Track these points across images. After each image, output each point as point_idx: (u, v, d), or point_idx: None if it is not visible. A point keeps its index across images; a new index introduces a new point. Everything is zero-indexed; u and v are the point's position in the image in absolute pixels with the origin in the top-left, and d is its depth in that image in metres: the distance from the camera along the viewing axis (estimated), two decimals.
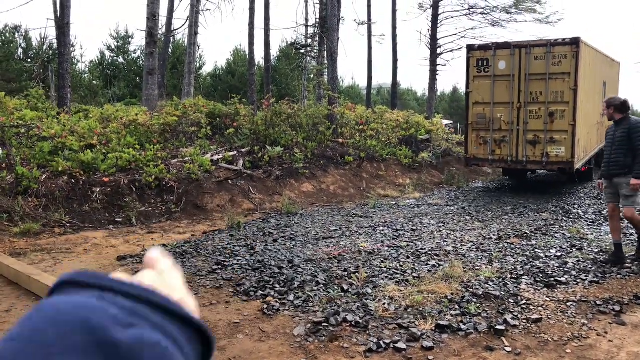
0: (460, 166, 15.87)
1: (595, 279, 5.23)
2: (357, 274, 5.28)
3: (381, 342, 3.72)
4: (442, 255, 6.18)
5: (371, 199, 11.03)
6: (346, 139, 14.27)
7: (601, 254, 6.23)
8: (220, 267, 5.71)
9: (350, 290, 4.86)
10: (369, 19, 22.59)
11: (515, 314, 4.30)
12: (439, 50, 23.24)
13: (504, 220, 8.55)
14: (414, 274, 5.38)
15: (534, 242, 6.87)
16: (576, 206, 10.01)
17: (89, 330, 0.37)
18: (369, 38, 22.67)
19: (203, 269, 5.62)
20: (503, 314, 4.27)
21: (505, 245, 6.72)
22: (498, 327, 3.97)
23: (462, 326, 4.02)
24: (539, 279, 5.21)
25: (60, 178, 8.48)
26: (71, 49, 21.98)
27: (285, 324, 4.13)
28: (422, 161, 14.66)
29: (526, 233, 7.45)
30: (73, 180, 8.47)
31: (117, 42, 31.73)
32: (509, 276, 5.32)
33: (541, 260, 5.96)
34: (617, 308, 4.43)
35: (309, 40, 22.94)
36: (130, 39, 31.72)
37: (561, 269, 5.60)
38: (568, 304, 4.55)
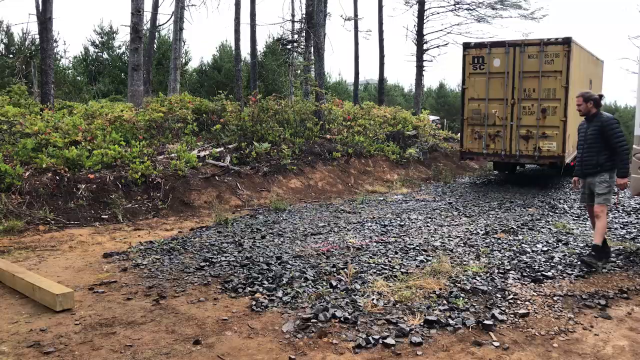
0: (447, 161, 15.96)
1: (581, 274, 5.29)
2: (345, 269, 5.28)
3: (370, 338, 3.72)
4: (430, 251, 6.20)
5: (359, 195, 11.05)
6: (334, 135, 14.26)
7: (587, 248, 6.30)
8: (208, 263, 5.67)
9: (338, 286, 4.86)
10: (356, 15, 22.56)
11: (503, 308, 4.33)
12: (425, 46, 23.33)
13: (490, 216, 8.61)
14: (402, 270, 5.39)
15: (520, 237, 6.93)
16: (562, 201, 10.12)
17: None
18: (355, 34, 22.65)
19: (191, 266, 5.58)
20: (491, 309, 4.29)
21: (493, 240, 6.77)
22: (486, 322, 4.00)
23: (451, 321, 4.04)
24: (525, 274, 5.26)
25: (44, 175, 8.36)
26: (54, 44, 21.66)
27: (274, 321, 4.12)
28: (410, 157, 14.71)
29: (513, 228, 7.51)
30: (57, 177, 8.36)
31: (102, 37, 31.31)
32: (497, 271, 5.36)
33: (528, 255, 6.01)
34: (603, 302, 4.49)
35: (296, 36, 22.84)
36: (114, 35, 31.32)
37: (547, 263, 5.65)
38: (554, 298, 4.59)
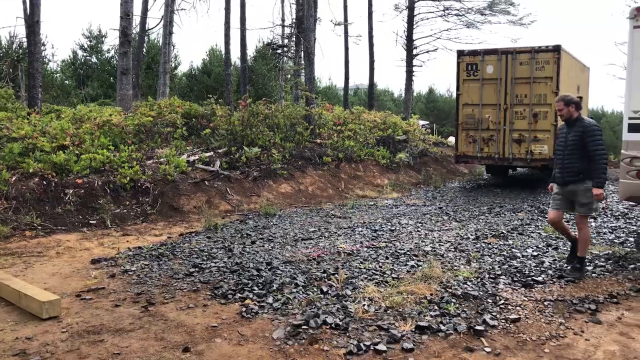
0: (437, 166, 16.02)
1: (570, 279, 5.30)
2: (336, 275, 5.25)
3: (361, 344, 3.70)
4: (421, 256, 6.19)
5: (349, 200, 11.04)
6: (324, 140, 14.25)
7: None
8: (197, 269, 5.61)
9: (329, 291, 4.83)
10: (346, 20, 22.62)
11: (494, 314, 4.33)
12: (415, 51, 23.45)
13: (481, 220, 8.63)
14: (393, 275, 5.37)
15: (510, 242, 6.95)
16: None
17: None
18: (345, 39, 22.70)
19: (180, 272, 5.52)
20: (482, 314, 4.29)
21: (483, 245, 6.78)
22: (477, 327, 3.98)
23: (442, 327, 4.02)
24: (516, 279, 5.26)
25: (31, 180, 8.25)
26: (42, 48, 21.47)
27: (264, 327, 4.08)
28: (400, 161, 14.74)
29: (503, 233, 7.54)
30: (45, 182, 8.25)
31: (90, 41, 31.10)
32: (487, 276, 5.36)
33: (518, 259, 6.02)
34: (593, 307, 4.50)
35: (286, 41, 22.85)
36: (103, 38, 31.12)
37: (538, 268, 5.67)
38: (545, 303, 4.60)
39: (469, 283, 5.10)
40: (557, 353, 3.66)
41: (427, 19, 23.66)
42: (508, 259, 6.03)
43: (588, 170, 5.31)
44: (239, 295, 4.79)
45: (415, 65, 23.56)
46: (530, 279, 5.24)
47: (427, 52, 23.50)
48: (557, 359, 3.57)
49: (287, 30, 22.49)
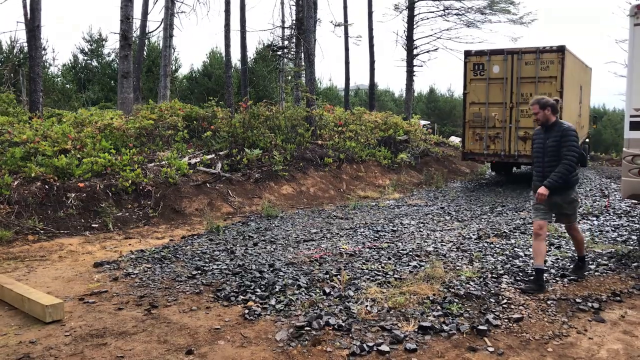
0: (438, 166, 16.01)
1: (574, 277, 5.29)
2: (338, 276, 5.25)
3: (364, 345, 3.70)
4: (423, 256, 6.19)
5: (351, 201, 11.03)
6: (325, 141, 14.25)
7: None
8: (199, 272, 5.62)
9: (332, 293, 4.83)
10: (346, 21, 22.63)
11: (497, 313, 4.32)
12: (415, 51, 23.45)
13: (483, 220, 8.62)
14: (395, 275, 5.37)
15: (513, 241, 6.94)
16: None
17: None
18: (345, 39, 22.71)
19: (182, 275, 5.52)
20: (485, 314, 4.28)
21: (485, 244, 6.77)
22: (480, 327, 3.98)
23: (445, 327, 4.02)
24: (519, 278, 5.26)
25: (33, 184, 8.26)
26: (42, 52, 21.53)
27: (267, 329, 4.08)
28: (401, 162, 14.74)
29: (505, 232, 7.53)
30: (47, 186, 8.26)
31: (91, 45, 31.18)
32: (490, 275, 5.36)
33: (521, 259, 6.01)
34: (596, 305, 4.49)
35: (286, 42, 22.86)
36: (104, 42, 31.20)
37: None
38: (548, 302, 4.59)
39: (471, 283, 5.09)
40: (561, 352, 3.65)
41: (427, 18, 23.68)
42: (510, 259, 6.02)
43: (568, 179, 4.97)
44: (242, 297, 4.79)
45: (415, 65, 23.56)
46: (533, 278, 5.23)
47: (427, 52, 23.50)
48: (560, 358, 3.57)
49: (287, 32, 22.51)
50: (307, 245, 6.91)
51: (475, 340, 3.84)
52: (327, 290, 4.87)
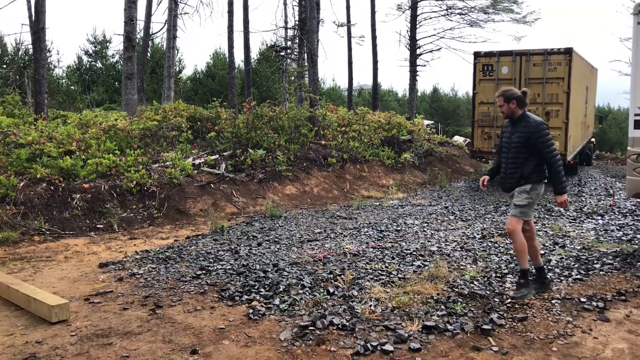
0: (442, 166, 15.99)
1: (578, 276, 5.29)
2: (342, 276, 5.26)
3: (368, 345, 3.70)
4: (427, 256, 6.19)
5: (355, 200, 11.04)
6: (328, 141, 14.26)
7: (583, 251, 6.30)
8: (204, 272, 5.64)
9: (336, 292, 4.84)
10: (348, 21, 22.65)
11: (501, 313, 4.32)
12: (418, 51, 23.43)
13: (487, 219, 8.61)
14: (399, 275, 5.38)
15: None
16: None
17: None
18: (348, 40, 22.73)
19: (187, 275, 5.55)
20: (489, 313, 4.28)
21: (489, 244, 6.77)
22: (484, 326, 3.98)
23: (449, 326, 4.02)
24: None
25: (38, 185, 8.31)
26: (47, 54, 21.61)
27: (271, 329, 4.09)
28: (405, 162, 14.73)
29: None
30: (52, 187, 8.31)
31: (95, 46, 31.29)
32: (494, 275, 5.35)
33: None
34: (601, 305, 4.48)
35: (289, 43, 22.88)
36: (108, 44, 31.31)
37: (545, 266, 5.64)
38: (553, 301, 4.59)
39: (475, 282, 5.09)
40: (565, 351, 3.65)
41: (430, 18, 23.65)
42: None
43: (530, 176, 4.66)
44: (246, 297, 4.81)
45: (419, 65, 23.54)
46: None
47: (430, 51, 23.48)
48: (565, 358, 3.57)
49: (290, 33, 22.53)
50: (311, 245, 6.92)
51: (480, 340, 3.84)
52: (331, 290, 4.88)
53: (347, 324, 4.08)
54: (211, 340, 3.92)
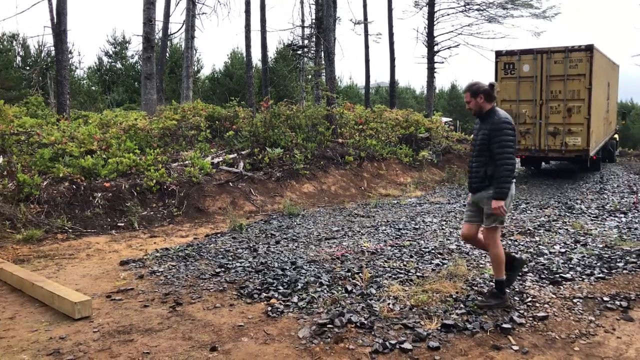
0: (461, 163, 15.86)
1: (601, 275, 5.20)
2: (360, 274, 5.26)
3: (387, 343, 3.70)
4: (446, 254, 6.15)
5: (372, 199, 11.01)
6: (346, 139, 14.25)
7: (606, 249, 6.20)
8: (223, 269, 5.68)
9: (354, 290, 4.84)
10: (365, 18, 22.58)
11: (521, 311, 4.27)
12: (436, 48, 23.23)
13: (506, 217, 8.51)
14: (417, 273, 5.35)
15: (537, 239, 6.84)
16: (579, 201, 9.98)
17: None
18: (365, 37, 22.66)
19: (206, 272, 5.60)
20: (509, 312, 4.24)
21: (509, 242, 6.70)
22: (504, 325, 3.94)
23: (468, 325, 3.99)
24: (543, 276, 5.18)
25: (61, 184, 8.46)
26: (69, 55, 21.98)
27: (289, 326, 4.11)
28: (423, 159, 14.64)
29: (529, 229, 7.43)
30: (74, 186, 8.45)
31: (115, 47, 31.73)
32: None
33: (545, 256, 5.93)
34: (624, 304, 4.40)
35: (306, 41, 22.92)
36: (127, 44, 31.73)
37: (566, 265, 5.57)
38: (574, 300, 4.52)
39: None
40: (588, 351, 3.60)
41: (448, 14, 23.45)
42: (535, 256, 5.94)
43: (493, 177, 4.29)
44: (265, 294, 4.84)
45: (436, 62, 23.35)
46: (558, 276, 5.16)
47: (448, 48, 23.25)
48: (587, 358, 3.52)
49: (307, 31, 22.55)
50: (328, 243, 6.93)
51: (499, 339, 3.80)
52: (349, 288, 4.88)
53: (366, 322, 4.08)
54: (230, 337, 3.95)
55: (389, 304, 4.46)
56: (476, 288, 4.82)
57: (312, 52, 21.93)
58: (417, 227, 7.85)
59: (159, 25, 19.66)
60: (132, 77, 30.41)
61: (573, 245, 6.46)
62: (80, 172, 8.85)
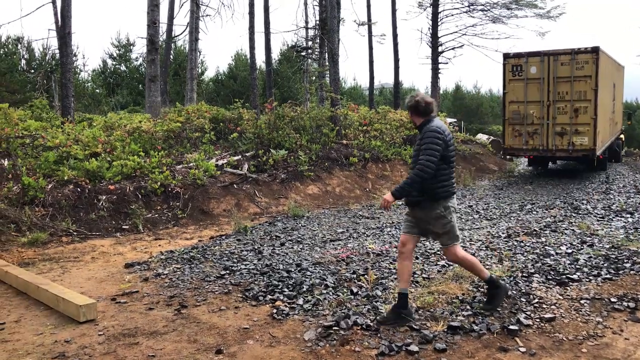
0: (466, 164, 15.81)
1: (608, 276, 5.15)
2: (366, 276, 5.24)
3: (393, 345, 3.67)
4: None
5: (377, 200, 10.98)
6: (350, 140, 14.23)
7: (613, 249, 6.15)
8: (228, 272, 5.67)
9: (359, 292, 4.82)
10: (369, 20, 22.55)
11: (528, 313, 4.24)
12: (440, 48, 23.20)
13: (512, 218, 8.48)
14: (423, 275, 5.32)
15: (543, 240, 6.80)
16: (585, 202, 9.93)
17: None
18: (369, 38, 22.62)
19: (211, 275, 5.59)
20: (516, 314, 4.21)
21: (515, 243, 6.66)
22: (511, 327, 3.91)
23: (475, 327, 3.96)
24: (550, 277, 5.15)
25: (66, 187, 8.48)
26: (73, 58, 22.07)
27: (295, 329, 4.09)
28: None
29: (535, 230, 7.38)
30: (79, 189, 8.47)
31: (119, 50, 31.84)
32: (520, 275, 5.26)
33: (552, 257, 5.89)
34: (632, 305, 4.36)
35: (310, 43, 22.91)
36: (131, 47, 31.84)
37: (572, 266, 5.52)
38: (581, 301, 4.48)
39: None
40: (596, 353, 3.56)
41: (452, 15, 23.44)
42: (541, 257, 5.90)
43: (432, 190, 4.08)
44: (270, 296, 4.82)
45: (440, 63, 23.32)
46: (564, 277, 5.12)
47: (452, 49, 23.23)
48: (595, 359, 3.48)
49: (311, 33, 22.56)
50: (333, 244, 6.91)
51: (506, 341, 3.77)
52: (355, 290, 4.86)
53: (372, 324, 4.06)
54: (236, 340, 3.94)
55: None
56: (482, 289, 4.79)
57: (316, 53, 21.93)
58: None
59: (163, 27, 19.74)
60: (136, 79, 30.49)
61: (580, 246, 6.41)
62: (85, 175, 8.87)
